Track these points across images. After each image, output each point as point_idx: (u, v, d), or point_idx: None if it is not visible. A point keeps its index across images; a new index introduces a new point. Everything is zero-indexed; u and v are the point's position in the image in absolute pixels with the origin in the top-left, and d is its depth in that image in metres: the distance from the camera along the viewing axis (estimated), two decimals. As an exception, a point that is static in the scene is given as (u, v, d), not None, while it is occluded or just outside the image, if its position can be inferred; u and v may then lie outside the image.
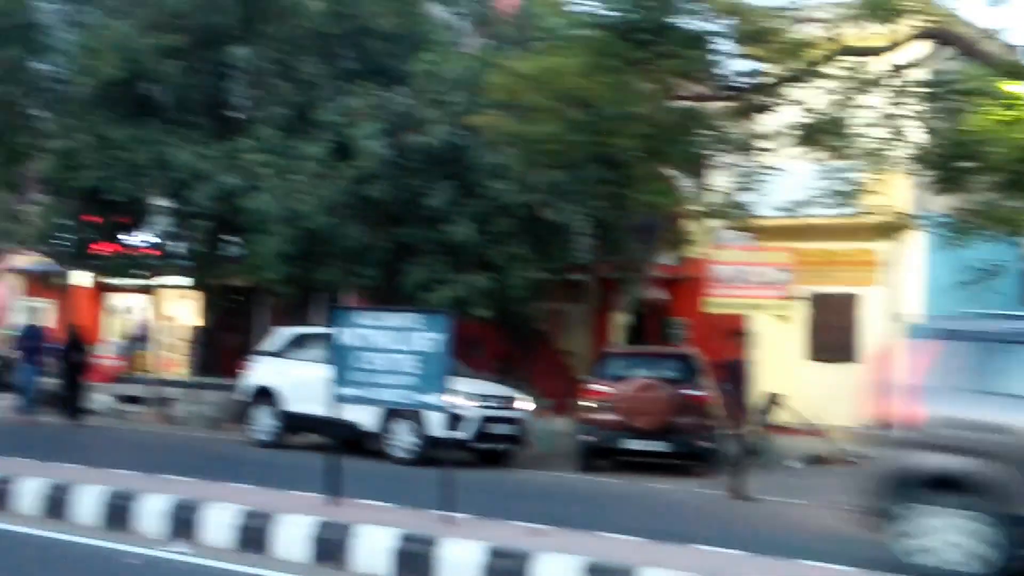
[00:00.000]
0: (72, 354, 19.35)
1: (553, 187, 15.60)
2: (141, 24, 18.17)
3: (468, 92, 15.92)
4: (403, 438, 14.82)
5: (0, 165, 19.28)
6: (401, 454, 14.75)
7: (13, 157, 19.58)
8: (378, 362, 8.69)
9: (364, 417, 14.33)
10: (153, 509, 8.43)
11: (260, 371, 16.94)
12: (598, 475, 14.49)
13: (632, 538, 7.80)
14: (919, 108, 12.80)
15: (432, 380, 8.51)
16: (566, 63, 13.07)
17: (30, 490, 9.07)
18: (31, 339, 19.58)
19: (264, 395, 16.66)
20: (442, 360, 8.49)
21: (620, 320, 18.93)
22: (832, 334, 19.14)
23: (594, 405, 15.11)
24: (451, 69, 16.41)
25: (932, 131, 12.91)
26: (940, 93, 12.63)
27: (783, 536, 9.59)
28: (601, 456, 15.12)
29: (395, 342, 8.64)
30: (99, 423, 19.19)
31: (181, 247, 19.86)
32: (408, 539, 7.32)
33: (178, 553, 7.82)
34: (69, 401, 19.20)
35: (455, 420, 13.31)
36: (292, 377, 16.18)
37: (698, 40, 13.03)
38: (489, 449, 15.29)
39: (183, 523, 8.22)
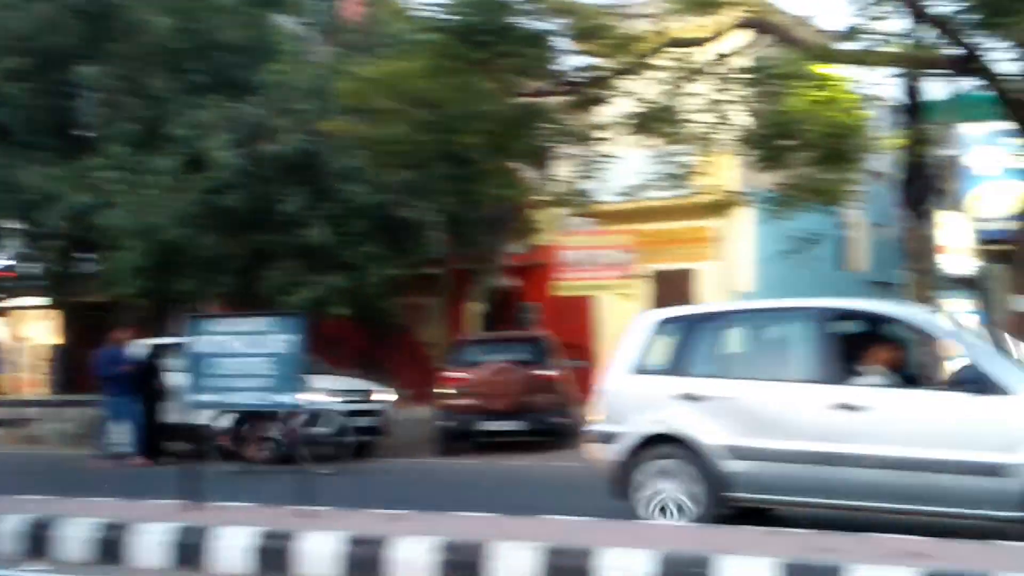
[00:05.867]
0: None
1: (404, 186, 15.95)
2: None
3: (318, 99, 16.12)
4: (263, 439, 14.97)
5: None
6: (262, 455, 14.88)
7: None
8: (232, 367, 8.85)
9: (221, 421, 14.41)
10: (7, 529, 8.38)
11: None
12: (458, 458, 14.94)
13: (488, 514, 8.09)
14: (742, 93, 13.59)
15: (286, 380, 8.71)
16: (411, 67, 13.38)
17: None
18: None
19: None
20: (296, 360, 8.69)
21: (475, 309, 19.43)
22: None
23: (451, 391, 15.54)
24: (300, 78, 16.60)
25: (754, 114, 13.73)
26: (760, 78, 13.40)
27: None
28: (460, 439, 15.56)
29: (249, 346, 8.82)
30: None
31: (35, 268, 19.54)
32: (267, 536, 7.49)
33: (35, 572, 7.82)
34: None
35: (315, 417, 13.63)
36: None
37: (536, 39, 13.42)
38: (351, 442, 15.52)
39: (39, 541, 8.20)
